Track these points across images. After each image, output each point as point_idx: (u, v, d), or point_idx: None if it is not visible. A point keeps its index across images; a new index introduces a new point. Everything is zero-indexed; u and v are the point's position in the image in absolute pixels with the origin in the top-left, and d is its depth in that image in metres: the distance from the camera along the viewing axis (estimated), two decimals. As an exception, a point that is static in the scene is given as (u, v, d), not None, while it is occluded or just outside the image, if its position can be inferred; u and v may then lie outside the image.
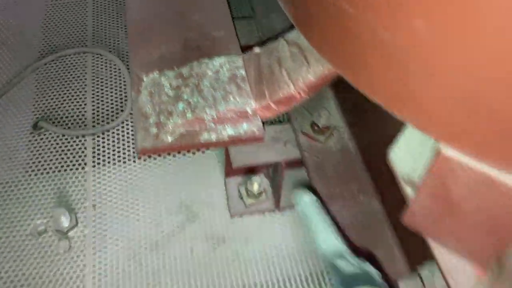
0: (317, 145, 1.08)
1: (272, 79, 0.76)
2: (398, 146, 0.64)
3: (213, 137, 0.77)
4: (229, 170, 1.23)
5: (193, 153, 1.31)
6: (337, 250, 0.81)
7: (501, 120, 0.42)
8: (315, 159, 1.05)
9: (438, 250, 0.58)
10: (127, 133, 1.33)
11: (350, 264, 0.79)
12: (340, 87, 1.11)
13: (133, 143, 1.32)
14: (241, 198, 1.22)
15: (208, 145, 0.78)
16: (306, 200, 0.91)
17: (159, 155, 1.28)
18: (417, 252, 0.72)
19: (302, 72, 0.73)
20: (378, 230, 0.93)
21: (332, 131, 1.09)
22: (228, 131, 0.77)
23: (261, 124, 0.78)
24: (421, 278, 0.75)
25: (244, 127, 0.78)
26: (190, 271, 1.12)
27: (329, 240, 0.82)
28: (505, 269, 0.56)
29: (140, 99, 0.79)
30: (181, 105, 0.78)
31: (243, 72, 0.81)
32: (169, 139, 0.76)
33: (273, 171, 1.19)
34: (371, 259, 0.85)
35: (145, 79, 0.82)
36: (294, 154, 1.10)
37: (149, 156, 1.24)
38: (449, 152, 0.48)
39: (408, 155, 0.60)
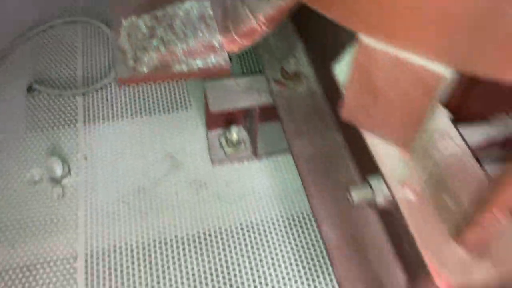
0: (287, 91, 1.18)
1: (235, 15, 0.86)
2: (341, 60, 0.74)
3: (185, 68, 0.86)
4: (210, 124, 1.33)
5: (177, 110, 1.40)
6: None
7: (404, 11, 0.51)
8: (285, 103, 1.15)
9: (370, 139, 0.68)
10: (115, 92, 1.43)
11: None
12: (307, 37, 1.21)
13: (122, 102, 1.42)
14: (222, 147, 1.32)
15: (180, 76, 0.87)
16: None
17: (147, 114, 1.38)
18: (370, 169, 0.81)
19: (262, 6, 0.83)
20: (339, 157, 1.03)
21: (300, 77, 1.18)
22: (198, 63, 0.87)
23: (227, 57, 0.88)
24: (370, 186, 0.84)
25: (212, 60, 0.87)
26: (176, 212, 1.21)
27: None
28: (422, 147, 0.66)
29: (120, 39, 0.89)
30: (155, 42, 0.87)
31: (210, 11, 0.90)
32: (145, 70, 0.85)
33: (250, 121, 1.29)
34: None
35: (124, 22, 0.91)
36: (267, 100, 1.20)
37: (129, 85, 1.34)
38: (368, 41, 0.58)
39: (348, 67, 0.70)
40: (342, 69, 0.74)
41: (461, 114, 0.88)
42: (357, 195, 0.81)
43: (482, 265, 0.57)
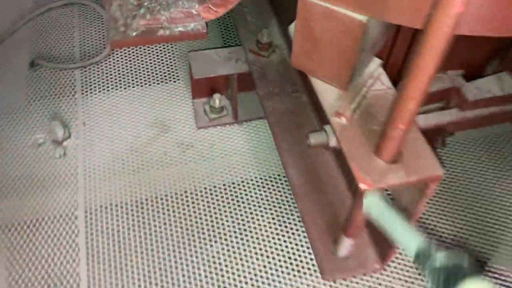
0: (261, 59, 1.34)
1: (210, -13, 1.02)
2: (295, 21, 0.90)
3: (167, 33, 1.02)
4: (195, 92, 1.48)
5: (166, 82, 1.56)
6: (423, 250, 0.73)
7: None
8: (259, 70, 1.31)
9: (315, 81, 0.84)
10: (110, 66, 1.58)
11: (441, 264, 0.71)
12: (279, 11, 1.36)
13: (116, 75, 1.57)
14: (206, 114, 1.47)
15: (164, 40, 1.03)
16: (372, 201, 0.80)
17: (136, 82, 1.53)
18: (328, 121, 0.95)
19: (233, -22, 0.98)
20: (305, 113, 1.19)
21: (273, 47, 1.34)
22: (179, 28, 1.02)
23: (204, 23, 1.03)
24: (325, 131, 1.00)
25: (191, 26, 1.03)
26: (165, 169, 1.37)
27: (411, 242, 0.74)
28: (356, 85, 0.81)
29: (112, 10, 1.04)
30: (142, 10, 1.03)
31: (190, -16, 1.06)
32: (134, 34, 1.01)
33: (231, 90, 1.44)
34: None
35: (116, -4, 1.07)
36: (244, 68, 1.35)
37: (120, 48, 1.49)
38: (307, -3, 0.73)
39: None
40: (293, 28, 0.89)
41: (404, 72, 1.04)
42: (314, 138, 0.96)
43: (396, 172, 0.73)
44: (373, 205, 0.77)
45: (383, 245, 0.95)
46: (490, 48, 1.06)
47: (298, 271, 1.18)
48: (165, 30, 1.02)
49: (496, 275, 1.17)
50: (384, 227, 0.75)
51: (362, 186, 0.71)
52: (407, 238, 0.74)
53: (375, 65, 0.85)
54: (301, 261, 1.19)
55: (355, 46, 0.74)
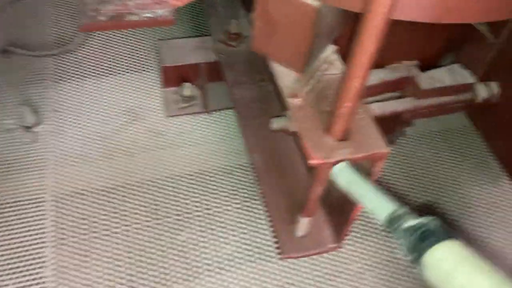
0: (230, 49, 1.38)
1: (177, -25, 1.06)
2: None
3: (136, 18, 1.05)
4: (166, 81, 1.51)
5: (138, 71, 1.59)
6: (395, 213, 0.75)
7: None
8: (228, 59, 1.35)
9: (273, 65, 0.88)
10: (84, 55, 1.60)
11: (414, 225, 0.73)
12: (247, 3, 1.41)
13: (89, 63, 1.59)
14: (176, 102, 1.51)
15: (132, 25, 1.06)
16: (342, 170, 0.81)
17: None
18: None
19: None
20: (270, 101, 1.23)
21: (241, 37, 1.38)
22: (147, 14, 1.06)
23: (172, 10, 1.07)
24: (287, 117, 1.04)
25: (160, 12, 1.06)
26: (134, 156, 1.39)
27: (383, 207, 0.76)
28: (311, 70, 0.86)
29: (82, -5, 1.08)
30: (111, -4, 1.06)
31: (159, -27, 1.10)
32: (102, 18, 1.04)
33: (200, 78, 1.48)
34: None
35: (86, -18, 1.10)
36: (213, 58, 1.39)
37: (90, 32, 1.51)
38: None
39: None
40: (256, 15, 0.93)
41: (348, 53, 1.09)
42: (276, 123, 1.01)
43: (344, 149, 0.77)
44: (342, 173, 0.79)
45: (339, 224, 1.00)
46: (445, 40, 1.12)
47: (263, 254, 1.23)
48: (133, 15, 1.05)
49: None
50: (354, 194, 0.78)
51: (312, 161, 0.75)
52: (379, 203, 0.76)
53: (330, 51, 0.89)
54: (264, 245, 1.24)
55: (310, 31, 0.79)
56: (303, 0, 0.76)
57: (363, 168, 0.80)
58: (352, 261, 1.21)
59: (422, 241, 0.70)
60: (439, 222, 0.72)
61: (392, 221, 0.73)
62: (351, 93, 0.69)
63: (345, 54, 1.01)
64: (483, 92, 1.18)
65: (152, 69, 1.59)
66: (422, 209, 1.33)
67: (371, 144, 0.78)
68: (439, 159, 1.45)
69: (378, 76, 1.10)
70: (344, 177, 0.79)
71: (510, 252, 1.24)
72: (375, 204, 0.76)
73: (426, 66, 1.14)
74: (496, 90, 1.20)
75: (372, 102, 1.10)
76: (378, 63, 1.10)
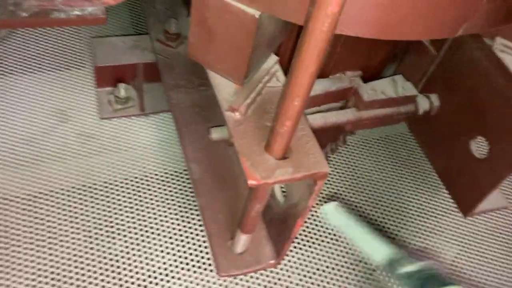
0: (169, 50, 1.30)
1: (110, -29, 0.97)
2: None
3: (63, 15, 0.95)
4: (100, 81, 1.41)
5: (70, 69, 1.47)
6: (393, 257, 0.76)
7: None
8: (166, 60, 1.27)
9: (211, 75, 0.82)
10: (8, 50, 1.47)
11: (413, 270, 0.75)
12: (188, 3, 1.34)
13: (14, 59, 1.46)
14: (110, 104, 1.41)
15: (58, 23, 0.96)
16: (333, 211, 0.84)
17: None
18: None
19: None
20: (211, 106, 1.17)
21: (181, 38, 1.31)
22: (76, 12, 0.96)
23: (104, 8, 0.98)
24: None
25: (89, 9, 0.97)
26: (62, 162, 1.29)
27: (380, 250, 0.77)
28: (253, 81, 0.81)
29: (1, -13, 0.96)
30: (35, -10, 0.96)
31: (89, -32, 1.00)
32: (24, 14, 0.94)
33: (137, 79, 1.39)
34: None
35: (6, -28, 0.99)
36: (151, 58, 1.31)
37: (11, 29, 1.37)
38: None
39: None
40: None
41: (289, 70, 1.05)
42: (216, 133, 0.95)
43: (284, 168, 0.73)
44: (333, 216, 0.79)
45: (279, 240, 0.96)
46: (387, 52, 1.11)
47: (199, 267, 1.17)
48: (60, 12, 0.96)
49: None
50: (347, 236, 0.76)
51: (250, 182, 0.71)
52: (375, 247, 0.77)
53: (272, 62, 0.85)
54: (202, 258, 1.18)
55: (249, 41, 0.74)
56: (242, 9, 0.71)
57: (297, 190, 0.77)
58: (295, 279, 1.18)
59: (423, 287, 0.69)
60: (439, 267, 0.72)
61: (391, 265, 0.73)
62: (292, 112, 0.65)
63: (288, 64, 0.97)
64: (424, 104, 1.18)
65: (85, 68, 1.49)
66: (362, 217, 1.32)
67: (312, 163, 0.74)
68: (380, 166, 1.45)
69: (321, 86, 1.07)
70: (336, 219, 0.78)
71: (445, 258, 1.26)
72: (372, 248, 0.75)
73: (369, 76, 1.12)
74: (436, 102, 1.20)
75: (314, 113, 1.07)
76: (321, 73, 1.08)
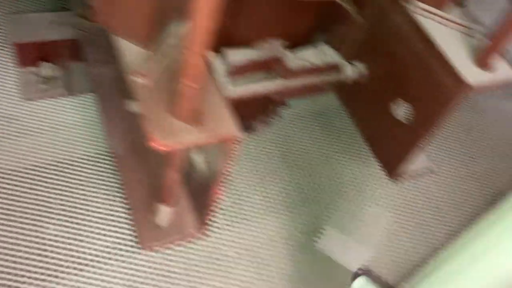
0: (91, 24, 1.25)
1: None
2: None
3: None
4: (21, 60, 1.34)
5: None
6: None
7: None
8: (87, 35, 1.22)
9: (115, 39, 0.79)
10: None
11: None
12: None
13: None
14: (34, 84, 1.34)
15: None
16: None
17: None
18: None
19: None
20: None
21: (103, 12, 1.26)
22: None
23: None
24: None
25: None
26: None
27: None
28: (162, 43, 0.78)
29: None
30: None
31: None
32: None
33: (63, 59, 1.33)
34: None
35: None
36: (73, 35, 1.25)
37: None
38: None
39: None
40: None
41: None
42: (135, 105, 0.92)
43: (192, 132, 0.71)
44: None
45: (201, 208, 0.95)
46: (311, 19, 1.10)
47: (132, 246, 1.14)
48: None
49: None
50: None
51: (153, 144, 0.68)
52: None
53: (180, 24, 0.82)
54: (136, 237, 1.15)
55: (149, 1, 0.71)
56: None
57: (215, 156, 0.75)
58: (227, 247, 1.17)
59: None
60: None
61: None
62: (192, 71, 0.62)
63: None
64: (351, 72, 1.19)
65: (4, 47, 1.41)
66: (298, 190, 1.32)
67: (222, 127, 0.73)
68: (315, 140, 1.46)
69: (245, 56, 1.05)
70: None
71: (380, 225, 1.28)
72: None
73: (294, 45, 1.11)
74: (363, 71, 1.21)
75: (241, 83, 1.05)
76: (243, 41, 1.06)
